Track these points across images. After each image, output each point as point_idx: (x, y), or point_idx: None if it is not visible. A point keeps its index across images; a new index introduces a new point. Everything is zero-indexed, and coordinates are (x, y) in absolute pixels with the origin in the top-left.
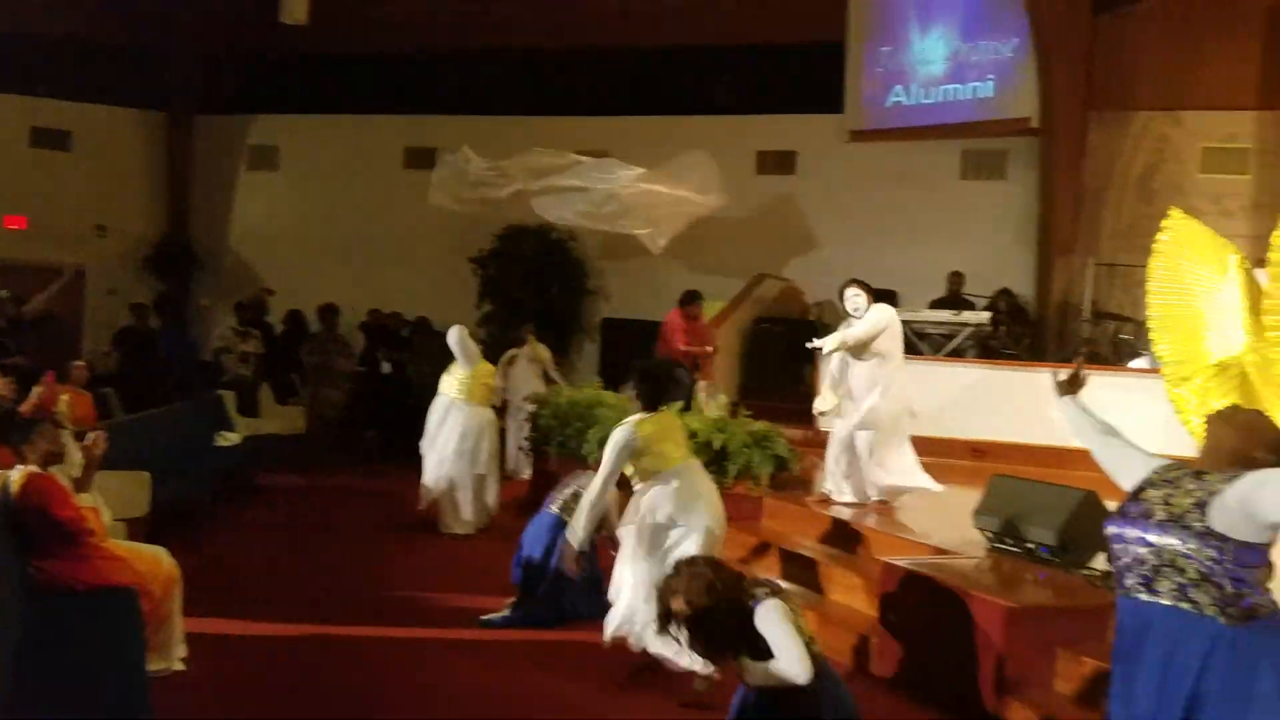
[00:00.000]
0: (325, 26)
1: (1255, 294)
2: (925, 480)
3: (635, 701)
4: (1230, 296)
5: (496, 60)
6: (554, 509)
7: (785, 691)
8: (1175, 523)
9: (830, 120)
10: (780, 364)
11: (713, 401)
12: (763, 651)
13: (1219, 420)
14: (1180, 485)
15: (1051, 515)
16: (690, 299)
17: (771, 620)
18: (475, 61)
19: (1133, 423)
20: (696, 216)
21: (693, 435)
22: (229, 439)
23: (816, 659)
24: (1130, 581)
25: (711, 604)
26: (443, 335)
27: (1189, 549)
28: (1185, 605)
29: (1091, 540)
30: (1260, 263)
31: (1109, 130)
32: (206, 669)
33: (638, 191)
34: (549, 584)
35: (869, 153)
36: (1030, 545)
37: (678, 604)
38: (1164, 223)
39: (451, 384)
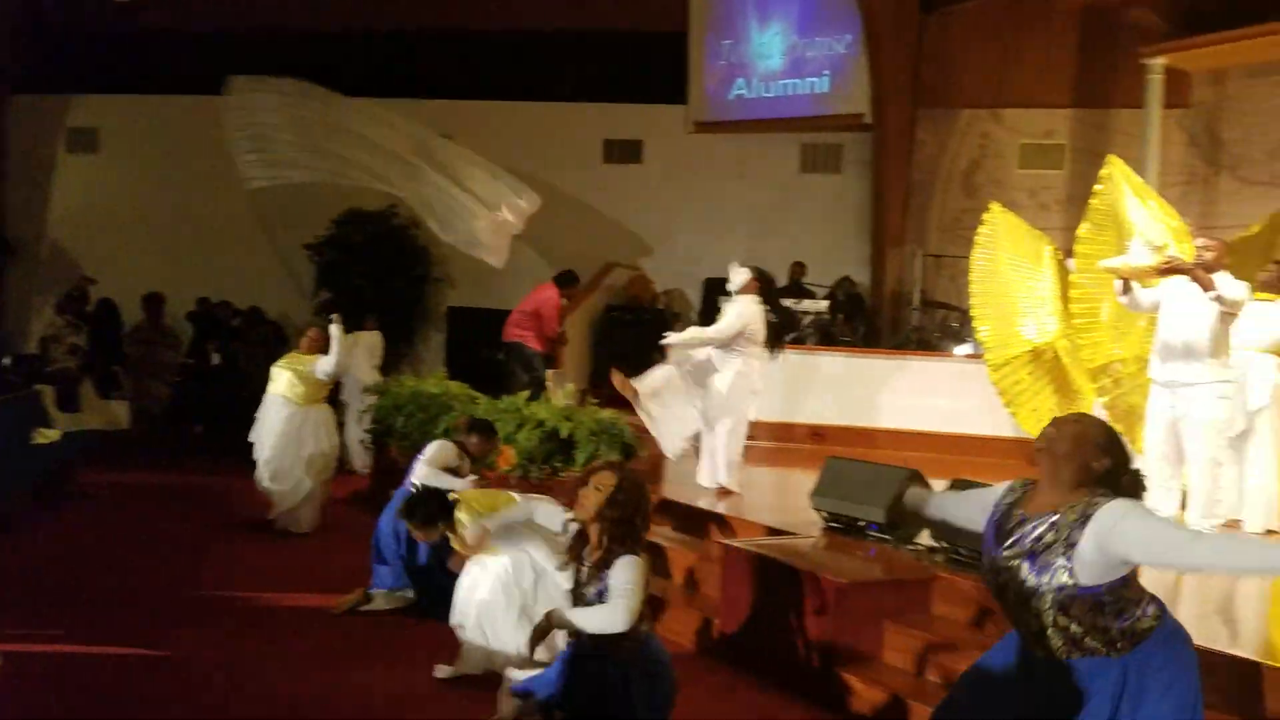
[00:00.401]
0: (149, 3)
1: (1066, 282)
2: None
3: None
4: (1045, 285)
5: (331, 39)
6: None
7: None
8: (1049, 586)
9: (676, 110)
10: (629, 352)
11: (560, 390)
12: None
13: (1045, 452)
14: (1041, 539)
15: (880, 494)
16: (571, 280)
17: (630, 569)
18: (307, 40)
19: (959, 403)
20: (518, 229)
21: (540, 424)
22: (47, 436)
23: (646, 634)
24: (1022, 633)
25: (620, 512)
26: (276, 325)
27: (1071, 610)
28: (1078, 655)
29: (917, 516)
30: (1072, 253)
31: (935, 126)
32: (25, 675)
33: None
34: (406, 563)
35: (713, 144)
36: (861, 523)
37: (601, 482)
38: (985, 216)
39: (296, 389)
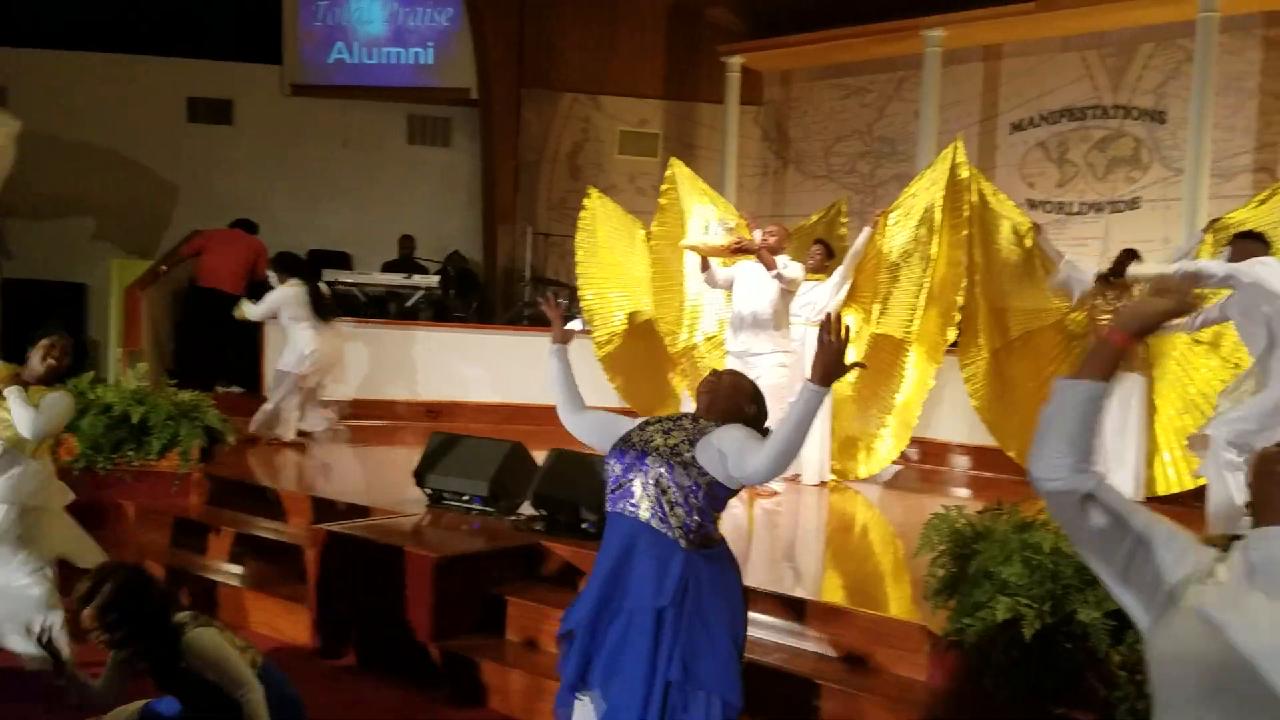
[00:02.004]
0: None
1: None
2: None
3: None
4: (638, 267)
5: None
6: None
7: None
8: (669, 452)
9: (271, 71)
10: (219, 328)
11: (132, 370)
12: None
13: (707, 390)
14: (680, 424)
15: (483, 467)
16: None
17: (211, 644)
18: None
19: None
20: None
21: (107, 409)
22: None
23: (256, 666)
24: (620, 503)
25: (133, 626)
26: None
27: (675, 477)
28: (657, 524)
29: (519, 487)
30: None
31: (540, 107)
32: None
33: None
34: None
35: (315, 109)
36: (466, 498)
37: (90, 622)
38: (584, 201)
39: None
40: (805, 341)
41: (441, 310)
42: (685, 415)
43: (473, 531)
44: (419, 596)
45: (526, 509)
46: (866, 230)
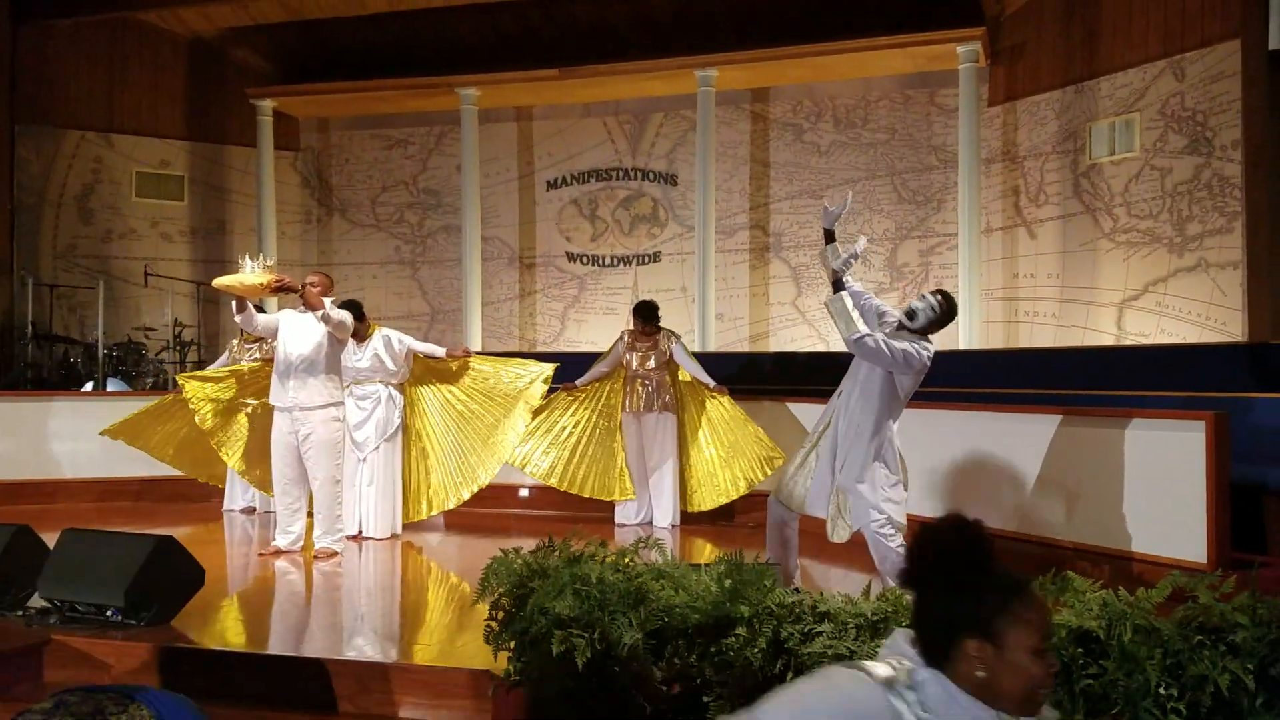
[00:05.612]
0: None
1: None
2: None
3: None
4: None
5: None
6: None
7: None
8: None
9: None
10: None
11: None
12: None
13: None
14: None
15: None
16: None
17: None
18: None
19: (80, 445)
20: None
21: None
22: None
23: None
24: None
25: None
26: None
27: None
28: None
29: (27, 577)
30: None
31: (41, 145)
32: None
33: None
34: None
35: None
36: None
37: None
38: (186, 395)
39: None
40: (380, 399)
41: None
42: None
43: None
44: None
45: (38, 600)
46: (444, 350)
